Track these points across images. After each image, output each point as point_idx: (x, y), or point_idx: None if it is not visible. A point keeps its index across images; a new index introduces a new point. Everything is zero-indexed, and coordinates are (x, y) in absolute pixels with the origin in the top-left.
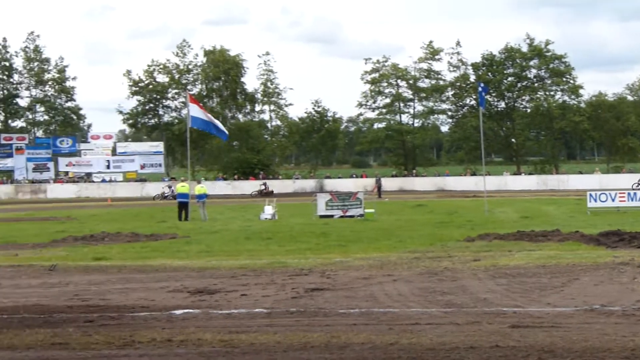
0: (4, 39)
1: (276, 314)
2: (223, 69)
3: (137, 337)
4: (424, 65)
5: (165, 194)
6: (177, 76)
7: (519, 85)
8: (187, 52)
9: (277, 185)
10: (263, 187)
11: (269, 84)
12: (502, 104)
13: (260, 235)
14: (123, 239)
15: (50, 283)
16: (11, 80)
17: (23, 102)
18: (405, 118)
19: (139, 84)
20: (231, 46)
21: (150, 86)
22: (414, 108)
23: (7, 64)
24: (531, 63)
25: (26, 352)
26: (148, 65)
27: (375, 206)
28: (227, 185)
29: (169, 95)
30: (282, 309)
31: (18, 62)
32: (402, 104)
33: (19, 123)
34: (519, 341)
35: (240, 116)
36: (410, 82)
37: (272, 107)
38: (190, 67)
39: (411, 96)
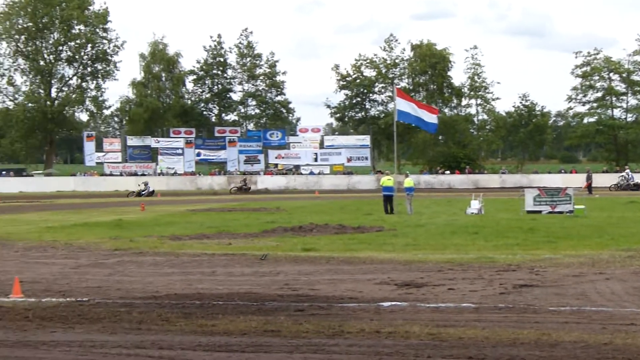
0: (219, 36)
1: (484, 309)
2: (430, 63)
3: (346, 327)
4: (639, 58)
5: (142, 191)
6: (384, 70)
7: None
8: (394, 46)
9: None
10: (243, 183)
11: (475, 77)
12: None
13: (467, 230)
14: (330, 230)
15: (262, 272)
16: (225, 75)
17: (236, 97)
18: (617, 112)
19: (347, 78)
20: (438, 40)
21: (358, 80)
22: (627, 102)
23: (222, 59)
24: None
25: (240, 337)
26: (355, 60)
27: (585, 202)
28: (432, 179)
29: (376, 89)
30: (490, 304)
31: (232, 58)
32: (614, 98)
33: (231, 116)
34: None
35: (446, 110)
36: (624, 75)
37: (479, 101)
38: (397, 61)
39: (624, 90)
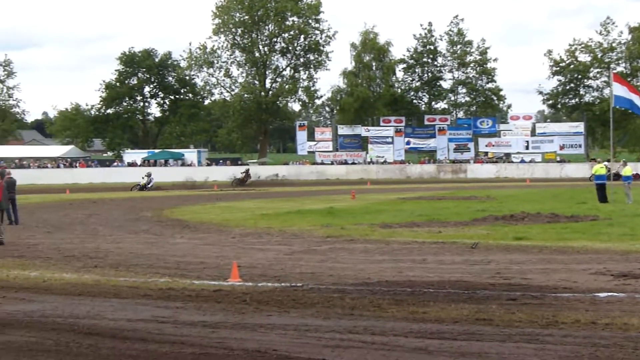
0: (430, 24)
1: None
2: None
3: (560, 318)
4: None
5: (147, 184)
6: (599, 55)
7: None
8: (610, 29)
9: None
10: (244, 174)
11: None
12: None
13: None
14: (542, 219)
15: (473, 260)
16: (435, 63)
17: (446, 84)
18: None
19: (560, 64)
20: None
21: (572, 66)
22: None
23: (432, 47)
24: None
25: (452, 325)
26: (569, 45)
27: None
28: None
29: (591, 74)
30: None
31: (442, 46)
32: None
33: (441, 104)
34: None
35: None
36: None
37: None
38: (613, 45)
39: None
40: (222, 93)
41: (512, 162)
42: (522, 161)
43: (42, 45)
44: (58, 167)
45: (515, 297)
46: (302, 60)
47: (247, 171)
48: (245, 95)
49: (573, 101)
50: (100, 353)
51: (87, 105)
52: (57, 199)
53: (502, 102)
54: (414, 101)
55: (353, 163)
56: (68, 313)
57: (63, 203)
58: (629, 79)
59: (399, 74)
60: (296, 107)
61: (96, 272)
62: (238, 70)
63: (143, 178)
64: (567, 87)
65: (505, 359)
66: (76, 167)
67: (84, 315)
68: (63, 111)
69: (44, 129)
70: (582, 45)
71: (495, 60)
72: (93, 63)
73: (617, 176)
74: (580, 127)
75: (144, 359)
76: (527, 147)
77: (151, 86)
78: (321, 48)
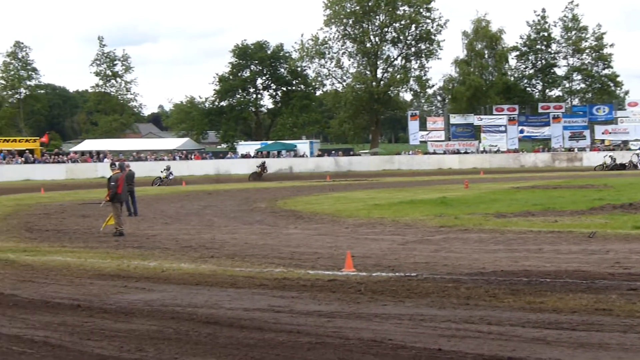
0: (543, 10)
1: None
2: None
3: None
4: None
5: (168, 178)
6: None
7: None
8: None
9: None
10: (259, 168)
11: None
12: None
13: None
14: None
15: (590, 250)
16: (549, 50)
17: (560, 71)
18: None
19: None
20: None
21: None
22: None
23: (546, 34)
24: None
25: (570, 315)
26: None
27: None
28: None
29: None
30: None
31: (556, 32)
32: None
33: (555, 92)
34: None
35: None
36: None
37: None
38: None
39: None
40: (333, 84)
41: (630, 149)
42: None
43: (158, 40)
44: (174, 159)
45: (636, 287)
46: (413, 49)
47: (263, 164)
48: (357, 86)
49: None
50: (219, 342)
51: (201, 98)
52: (174, 191)
53: (619, 88)
54: (527, 89)
55: (466, 152)
56: (187, 302)
57: (179, 194)
58: None
59: (512, 61)
60: (408, 96)
61: (213, 262)
62: (349, 60)
63: (162, 172)
64: None
65: (626, 350)
66: (191, 159)
67: (202, 305)
68: (178, 104)
69: (160, 122)
70: None
71: (611, 45)
72: (207, 56)
73: (622, 166)
74: None
75: (261, 348)
76: None
77: (264, 78)
78: (432, 37)
